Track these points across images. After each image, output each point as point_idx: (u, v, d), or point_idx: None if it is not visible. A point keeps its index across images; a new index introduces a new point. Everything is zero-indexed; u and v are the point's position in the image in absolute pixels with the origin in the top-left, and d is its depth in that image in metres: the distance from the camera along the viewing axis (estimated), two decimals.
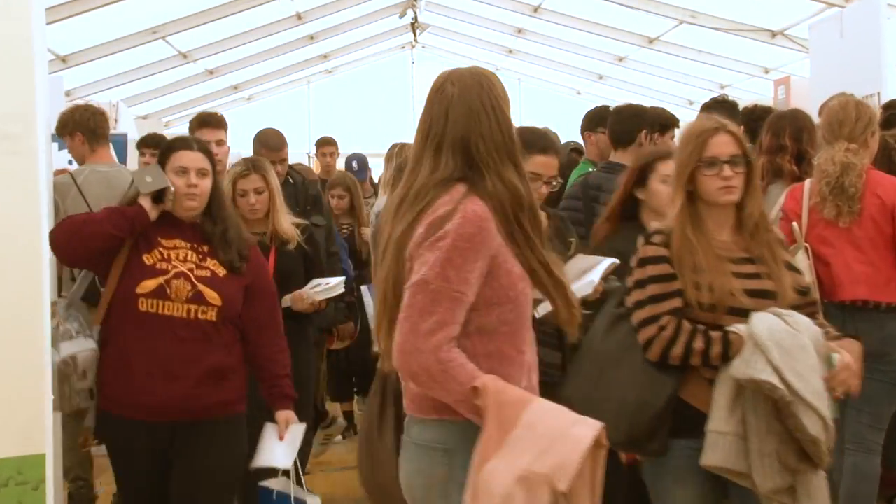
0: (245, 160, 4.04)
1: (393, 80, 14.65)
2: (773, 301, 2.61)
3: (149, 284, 2.95)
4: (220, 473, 3.04)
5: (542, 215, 3.20)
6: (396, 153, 4.88)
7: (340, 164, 7.67)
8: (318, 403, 5.83)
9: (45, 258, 2.71)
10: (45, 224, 2.78)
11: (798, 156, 4.02)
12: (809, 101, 5.98)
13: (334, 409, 6.54)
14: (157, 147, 5.34)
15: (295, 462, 3.16)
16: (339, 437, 6.21)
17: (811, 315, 2.67)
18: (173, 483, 3.01)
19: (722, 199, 2.67)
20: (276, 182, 3.97)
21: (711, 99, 4.84)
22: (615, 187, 4.13)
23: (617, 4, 9.10)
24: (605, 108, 4.95)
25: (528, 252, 2.12)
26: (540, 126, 3.53)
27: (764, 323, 2.52)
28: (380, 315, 2.15)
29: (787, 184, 3.96)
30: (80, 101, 5.43)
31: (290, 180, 4.75)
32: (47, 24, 3.03)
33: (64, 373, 2.96)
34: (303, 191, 4.79)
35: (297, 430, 3.16)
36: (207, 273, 3.03)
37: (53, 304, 3.12)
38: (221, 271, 3.05)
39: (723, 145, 2.68)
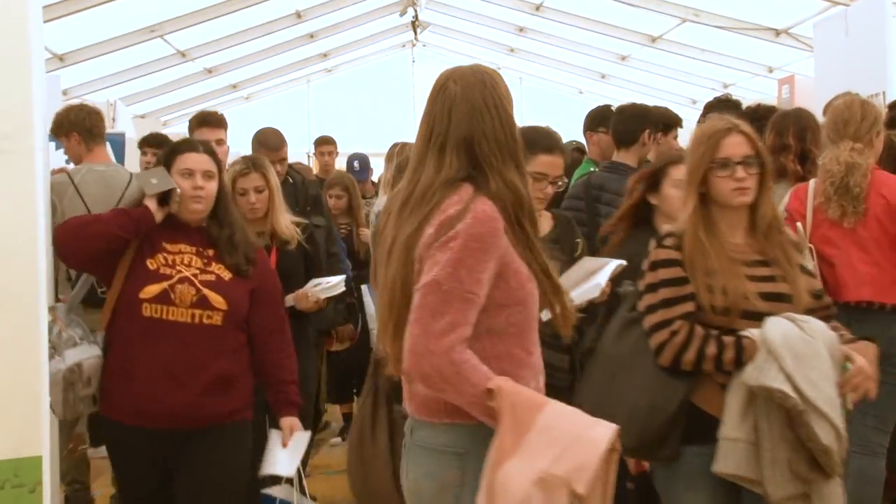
0: (245, 158, 4.02)
1: (393, 78, 14.66)
2: (788, 304, 2.58)
3: (152, 289, 2.93)
4: (227, 480, 3.01)
5: (548, 216, 3.23)
6: (397, 153, 4.88)
7: (339, 164, 7.67)
8: (321, 407, 5.84)
9: (42, 259, 2.71)
10: (43, 224, 2.78)
11: (802, 155, 4.02)
12: (814, 101, 5.97)
13: (333, 410, 6.54)
14: (160, 146, 5.39)
15: (298, 469, 3.14)
16: (339, 440, 6.20)
17: (826, 319, 2.64)
18: (178, 490, 2.99)
19: (735, 200, 2.65)
20: (276, 181, 3.96)
21: (715, 98, 4.84)
22: (618, 187, 4.15)
23: (619, 3, 9.10)
24: (607, 107, 4.96)
25: (528, 254, 2.12)
26: (542, 125, 3.52)
27: (777, 329, 2.49)
28: (385, 318, 2.12)
29: (791, 184, 3.96)
30: (76, 101, 5.44)
31: (290, 180, 4.75)
32: (44, 22, 3.03)
33: (69, 380, 2.93)
34: (302, 191, 4.79)
35: (302, 438, 3.14)
36: (212, 277, 3.00)
37: (53, 310, 3.10)
38: (227, 275, 3.03)
39: (736, 146, 2.65)
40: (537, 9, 10.25)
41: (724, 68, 10.61)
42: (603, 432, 1.98)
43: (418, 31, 12.54)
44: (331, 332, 5.07)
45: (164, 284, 2.93)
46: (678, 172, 3.11)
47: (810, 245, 3.68)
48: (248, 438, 3.10)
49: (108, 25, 8.66)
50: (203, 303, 2.95)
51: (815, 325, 2.54)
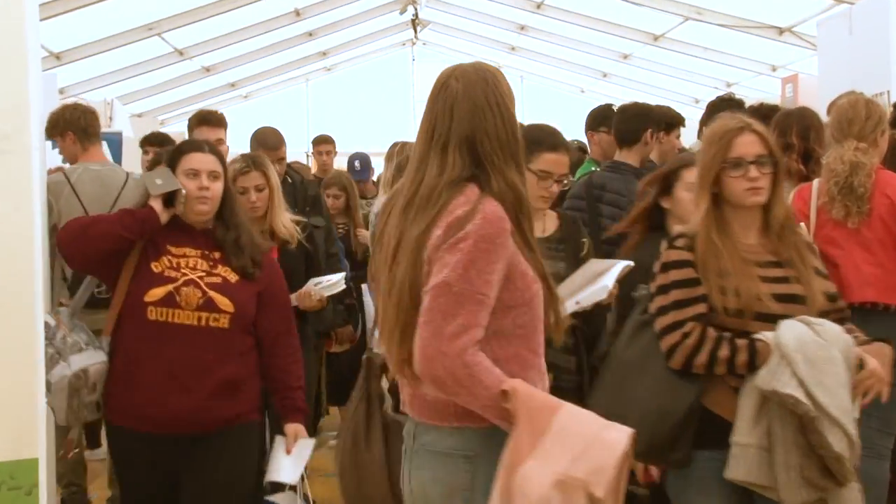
0: (245, 156, 4.00)
1: (393, 77, 14.67)
2: (802, 306, 2.56)
3: (157, 292, 2.90)
4: (233, 483, 3.00)
5: (553, 215, 3.23)
6: (397, 152, 4.88)
7: (338, 163, 7.67)
8: (321, 410, 5.82)
9: (39, 260, 2.71)
10: (39, 224, 2.78)
11: (805, 155, 4.02)
12: (817, 100, 5.98)
13: (333, 412, 6.53)
14: (162, 145, 5.39)
15: (302, 476, 3.11)
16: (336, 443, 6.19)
17: (841, 321, 2.61)
18: (184, 494, 2.97)
19: (748, 200, 2.62)
20: (276, 179, 3.95)
21: (717, 97, 4.84)
22: (620, 187, 4.15)
23: (622, 0, 9.10)
24: (608, 107, 4.96)
25: (531, 255, 2.11)
26: (546, 124, 3.51)
27: (791, 332, 2.46)
28: (391, 320, 2.09)
29: (795, 183, 3.96)
30: (73, 99, 5.44)
31: (289, 180, 4.74)
32: (41, 20, 3.03)
33: (75, 386, 2.91)
34: (301, 191, 4.78)
35: (306, 445, 3.11)
36: (219, 280, 2.98)
37: (57, 314, 3.10)
38: (233, 277, 3.00)
39: (748, 145, 2.62)
40: (538, 7, 10.25)
41: (727, 67, 10.60)
42: (618, 436, 1.99)
43: (418, 29, 12.53)
44: (330, 333, 5.07)
45: (170, 287, 2.91)
46: (691, 175, 3.06)
47: (814, 245, 3.68)
48: (254, 441, 3.08)
49: (106, 23, 8.66)
50: (209, 305, 2.92)
51: (830, 328, 2.51)
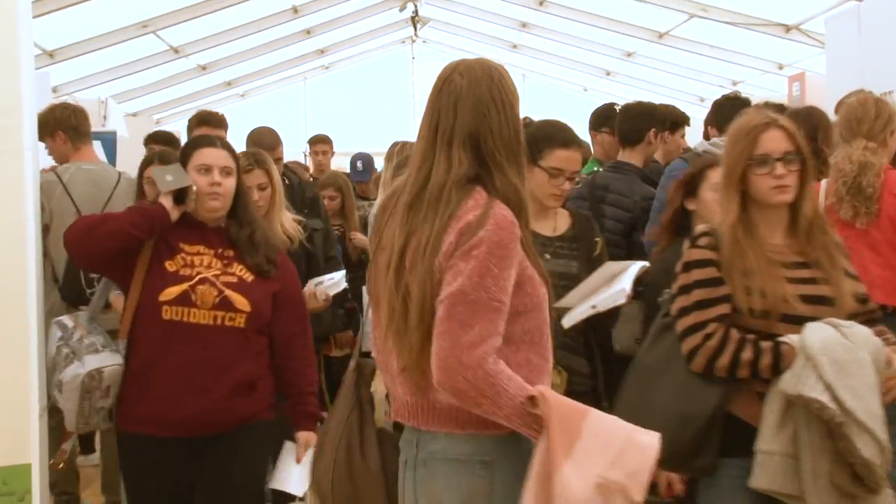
0: (246, 154, 3.96)
1: (392, 76, 14.67)
2: (830, 308, 2.52)
3: (172, 291, 2.88)
4: (248, 484, 2.99)
5: (565, 214, 3.22)
6: (397, 152, 4.87)
7: (336, 163, 7.67)
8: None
9: (33, 261, 2.72)
10: (32, 225, 2.78)
11: (813, 155, 4.02)
12: (825, 99, 5.98)
13: None
14: (168, 144, 5.39)
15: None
16: None
17: (870, 323, 2.56)
18: (198, 496, 2.95)
19: (775, 199, 2.59)
20: (278, 178, 3.94)
21: (723, 96, 4.84)
22: (623, 187, 4.15)
23: None
24: (611, 107, 4.94)
25: (532, 259, 2.10)
26: (557, 120, 3.48)
27: (817, 334, 2.42)
28: (399, 328, 2.05)
29: None
30: (66, 99, 5.45)
31: (287, 181, 4.74)
32: (34, 17, 3.03)
33: (88, 387, 2.88)
34: (299, 192, 4.78)
35: None
36: (234, 279, 2.96)
37: (76, 317, 3.08)
38: (249, 276, 2.99)
39: (775, 141, 2.59)
40: (540, 4, 10.24)
41: (733, 65, 10.60)
42: (649, 439, 2.00)
43: (418, 26, 12.53)
44: (328, 337, 5.07)
45: (185, 286, 2.89)
46: (716, 175, 3.03)
47: None
48: (268, 441, 3.06)
49: (100, 21, 8.66)
50: (225, 304, 2.91)
51: (859, 330, 2.46)
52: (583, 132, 5.31)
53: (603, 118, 4.88)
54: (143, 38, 9.33)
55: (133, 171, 4.11)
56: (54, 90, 8.88)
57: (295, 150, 9.59)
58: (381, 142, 6.04)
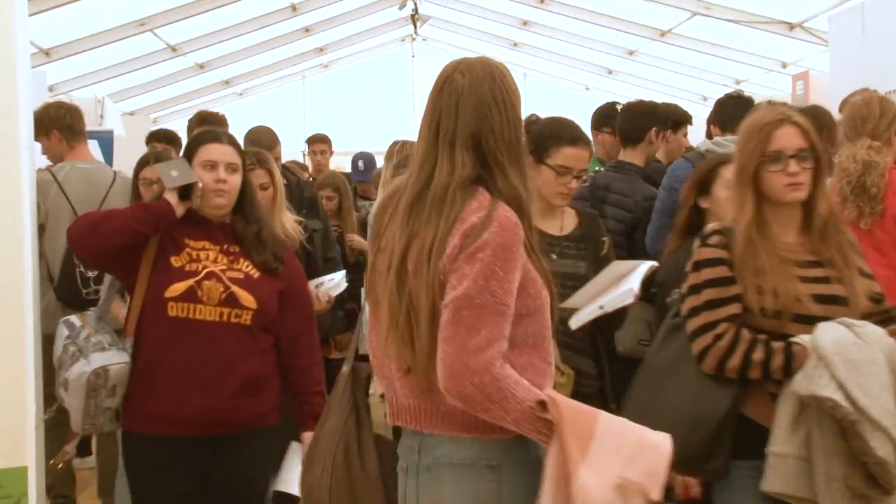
0: (248, 154, 3.97)
1: (392, 74, 14.68)
2: (843, 307, 2.50)
3: (178, 287, 2.87)
4: (254, 491, 2.98)
5: (572, 213, 3.21)
6: (397, 151, 4.87)
7: (335, 163, 7.67)
8: None
9: (29, 261, 2.72)
10: (29, 225, 2.78)
11: None
12: (829, 97, 5.99)
13: None
14: (170, 142, 5.40)
15: None
16: None
17: (884, 324, 2.53)
18: (208, 495, 2.95)
19: (788, 196, 2.56)
20: (280, 178, 3.94)
21: (726, 95, 4.83)
22: (624, 187, 4.15)
23: None
24: (613, 106, 4.94)
25: (534, 261, 2.09)
26: (565, 117, 3.46)
27: (829, 334, 2.40)
28: (398, 328, 2.04)
29: None
30: (62, 97, 5.45)
31: (284, 181, 4.74)
32: (30, 15, 3.03)
33: (93, 385, 2.86)
34: (297, 192, 4.78)
35: None
36: (241, 274, 2.95)
37: (84, 315, 3.07)
38: (256, 273, 2.98)
39: (788, 138, 2.57)
40: (542, 2, 10.25)
41: (736, 63, 10.61)
42: (660, 438, 2.01)
43: (418, 24, 12.54)
44: (328, 339, 5.07)
45: (191, 281, 2.88)
46: (729, 172, 3.00)
47: None
48: (275, 446, 3.05)
49: (96, 19, 8.67)
50: (231, 301, 2.90)
51: (872, 330, 2.44)
52: (584, 131, 5.31)
53: (605, 117, 4.88)
54: (140, 37, 9.34)
55: (130, 171, 4.11)
56: (51, 89, 8.89)
57: (294, 150, 9.60)
58: (381, 141, 6.04)
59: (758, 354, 2.46)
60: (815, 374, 2.36)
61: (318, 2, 10.40)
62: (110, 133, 7.71)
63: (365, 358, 2.40)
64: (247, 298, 2.92)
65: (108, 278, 3.25)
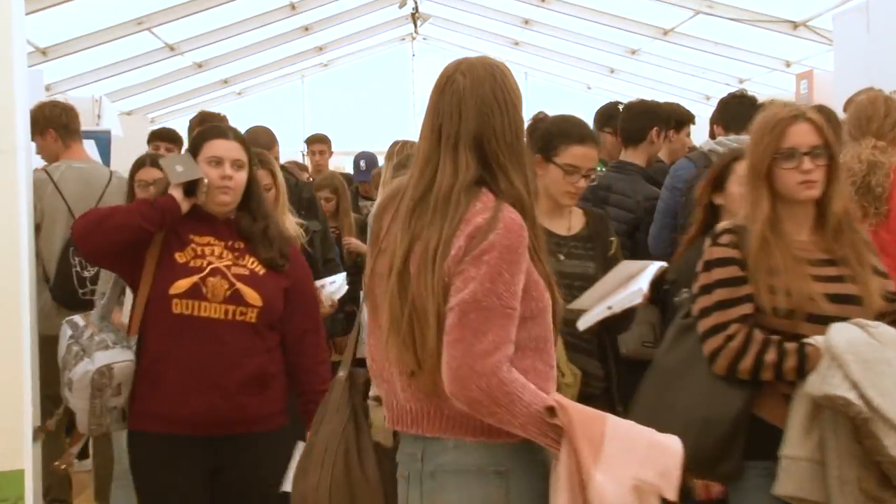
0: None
1: (392, 73, 14.69)
2: (857, 307, 2.50)
3: (183, 284, 2.86)
4: (267, 487, 2.94)
5: (580, 213, 3.21)
6: (397, 151, 4.87)
7: (334, 163, 7.66)
8: None
9: (25, 262, 2.71)
10: (25, 226, 2.78)
11: None
12: (833, 97, 5.99)
13: None
14: (172, 141, 5.41)
15: None
16: None
17: None
18: (218, 494, 2.95)
19: (801, 195, 2.55)
20: (282, 179, 3.94)
21: (729, 94, 4.83)
22: (626, 188, 4.15)
23: None
24: (615, 106, 4.95)
25: (537, 264, 2.09)
26: (573, 115, 3.45)
27: (843, 335, 2.39)
28: (398, 330, 2.03)
29: None
30: (56, 97, 5.47)
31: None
32: (26, 14, 3.03)
33: (98, 384, 2.85)
34: (296, 193, 4.79)
35: None
36: (246, 271, 2.94)
37: (87, 315, 3.07)
38: (261, 270, 2.97)
39: (802, 135, 2.55)
40: (543, 0, 10.26)
41: (740, 62, 10.61)
42: (669, 439, 2.01)
43: (418, 23, 12.54)
44: (329, 341, 5.07)
45: (195, 278, 2.87)
46: (743, 168, 2.96)
47: None
48: (284, 446, 3.00)
49: (94, 17, 8.68)
50: (236, 298, 2.89)
51: (886, 331, 2.43)
52: (593, 130, 5.32)
53: (606, 117, 4.89)
54: (137, 36, 9.35)
55: (128, 172, 4.11)
56: (47, 88, 8.89)
57: (293, 150, 9.60)
58: (381, 141, 6.05)
59: (770, 356, 2.46)
60: (828, 374, 2.36)
61: (317, 0, 10.39)
62: (108, 133, 7.70)
63: (360, 362, 2.39)
64: (252, 296, 2.91)
65: (103, 276, 3.24)
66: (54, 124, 4.60)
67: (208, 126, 3.22)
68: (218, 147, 2.98)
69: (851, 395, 2.32)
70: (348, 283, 4.39)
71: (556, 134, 3.08)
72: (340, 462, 2.29)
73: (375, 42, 13.77)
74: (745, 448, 2.51)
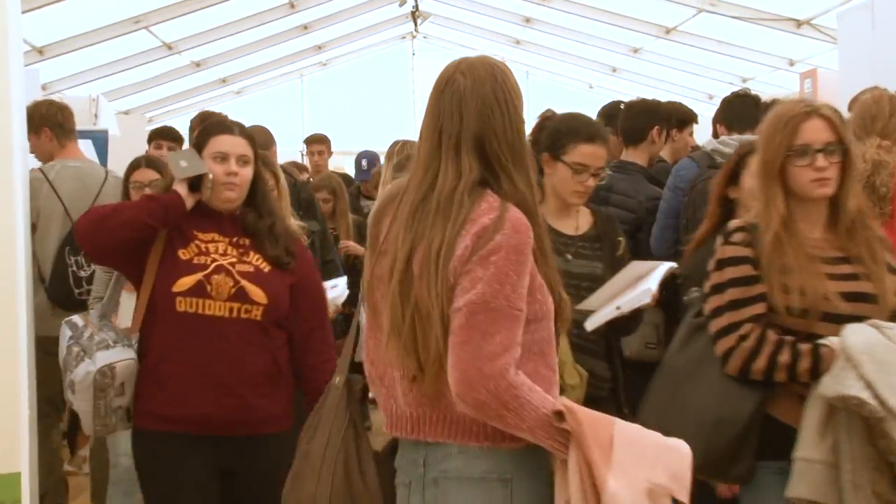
0: None
1: (392, 73, 14.69)
2: (872, 305, 2.48)
3: (186, 282, 2.84)
4: (279, 487, 2.98)
5: (587, 212, 3.21)
6: (397, 151, 4.87)
7: (334, 163, 7.66)
8: None
9: (21, 262, 2.72)
10: (21, 225, 2.79)
11: None
12: (838, 96, 5.98)
13: None
14: (174, 139, 5.40)
15: None
16: None
17: None
18: (228, 499, 2.94)
19: (815, 192, 2.53)
20: (284, 180, 3.94)
21: (732, 93, 4.84)
22: (627, 188, 4.15)
23: None
24: (617, 105, 4.95)
25: (542, 266, 2.08)
26: (581, 113, 3.45)
27: (858, 335, 2.38)
28: (401, 334, 2.01)
29: None
30: (52, 96, 5.48)
31: None
32: (22, 12, 3.04)
33: (100, 385, 2.84)
34: (294, 193, 4.78)
35: None
36: (251, 268, 2.92)
37: (86, 315, 3.07)
38: (266, 267, 2.95)
39: (816, 131, 2.53)
40: None
41: (743, 61, 10.61)
42: (677, 442, 2.02)
43: (418, 21, 12.55)
44: None
45: (199, 275, 2.86)
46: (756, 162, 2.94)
47: None
48: (290, 448, 3.05)
49: (90, 16, 8.69)
50: (241, 296, 2.87)
51: None
52: (601, 128, 5.31)
53: (608, 117, 4.88)
54: (134, 34, 9.35)
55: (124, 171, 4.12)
56: (44, 88, 8.88)
57: (292, 150, 9.61)
58: (381, 141, 6.04)
59: (784, 357, 2.44)
60: (842, 375, 2.34)
61: None
62: (105, 132, 7.69)
63: (356, 367, 2.38)
64: (257, 293, 2.89)
65: (98, 278, 3.24)
66: (50, 123, 4.60)
67: (213, 121, 3.22)
68: (223, 143, 2.96)
69: (865, 395, 2.31)
70: (347, 286, 4.40)
71: (564, 132, 3.07)
72: (340, 471, 2.26)
73: (375, 41, 13.77)
74: (759, 448, 2.50)
